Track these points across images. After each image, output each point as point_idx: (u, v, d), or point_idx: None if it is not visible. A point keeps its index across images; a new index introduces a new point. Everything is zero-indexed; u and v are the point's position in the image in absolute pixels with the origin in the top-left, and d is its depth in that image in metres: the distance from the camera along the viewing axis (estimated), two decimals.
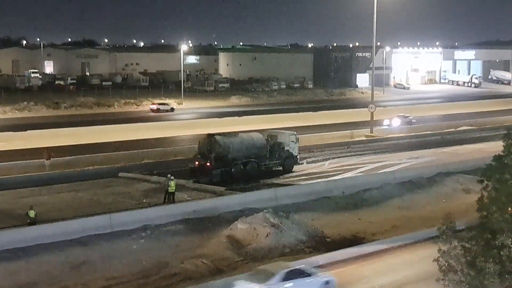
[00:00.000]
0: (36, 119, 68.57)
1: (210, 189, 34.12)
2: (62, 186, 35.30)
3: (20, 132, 53.58)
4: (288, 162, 40.04)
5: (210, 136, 37.42)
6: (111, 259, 23.41)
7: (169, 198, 31.05)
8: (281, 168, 39.75)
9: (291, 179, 37.67)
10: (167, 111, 78.39)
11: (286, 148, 40.09)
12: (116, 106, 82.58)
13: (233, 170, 36.84)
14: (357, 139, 54.69)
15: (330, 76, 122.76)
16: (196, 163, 37.03)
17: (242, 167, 37.26)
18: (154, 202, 31.59)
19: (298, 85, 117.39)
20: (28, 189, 34.33)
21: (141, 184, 36.15)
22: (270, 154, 39.14)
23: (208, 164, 36.29)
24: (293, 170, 39.89)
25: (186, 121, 67.81)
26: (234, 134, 39.64)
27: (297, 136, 41.53)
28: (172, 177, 31.33)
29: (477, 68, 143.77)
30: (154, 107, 79.23)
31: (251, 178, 37.00)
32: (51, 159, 40.08)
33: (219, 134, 38.43)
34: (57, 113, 75.72)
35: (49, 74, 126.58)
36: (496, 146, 19.80)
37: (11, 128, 56.94)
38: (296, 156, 40.78)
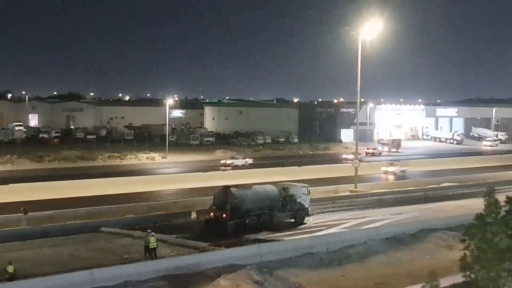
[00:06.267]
0: (19, 173, 68.07)
1: (193, 245, 33.76)
2: (43, 241, 34.72)
3: (2, 186, 53.07)
4: (300, 214, 41.18)
5: (226, 188, 38.67)
6: None
7: (151, 254, 30.62)
8: (293, 220, 40.66)
9: (275, 234, 37.48)
10: (378, 154, 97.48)
11: (298, 200, 41.22)
12: (100, 160, 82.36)
13: (247, 221, 37.83)
14: (341, 194, 54.77)
15: (315, 131, 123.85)
16: (211, 214, 37.92)
17: (256, 218, 38.22)
18: (136, 257, 31.08)
19: (283, 139, 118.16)
20: (8, 244, 33.70)
21: (123, 239, 35.68)
22: (283, 206, 40.24)
23: (224, 215, 37.10)
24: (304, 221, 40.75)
25: (170, 175, 67.67)
26: (248, 186, 41.13)
27: (309, 188, 42.51)
28: (152, 233, 31.01)
29: (459, 125, 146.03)
30: (370, 151, 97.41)
31: (264, 229, 37.82)
32: (28, 213, 39.55)
33: (234, 186, 39.92)
34: (40, 166, 75.11)
35: (33, 127, 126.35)
36: (478, 203, 19.95)
37: None
38: (307, 208, 41.71)
